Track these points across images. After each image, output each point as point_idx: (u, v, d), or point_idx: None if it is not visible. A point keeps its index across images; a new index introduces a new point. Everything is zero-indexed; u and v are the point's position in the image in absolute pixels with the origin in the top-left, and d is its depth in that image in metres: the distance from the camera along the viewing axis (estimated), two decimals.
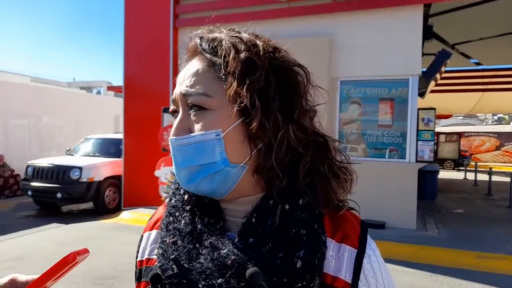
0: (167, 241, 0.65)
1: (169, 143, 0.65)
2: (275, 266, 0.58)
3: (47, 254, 5.28)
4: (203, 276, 0.58)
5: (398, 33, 6.58)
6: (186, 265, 0.60)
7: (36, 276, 0.59)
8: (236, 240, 0.61)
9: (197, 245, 0.62)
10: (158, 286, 0.62)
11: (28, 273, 0.61)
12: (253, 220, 0.62)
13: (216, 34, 0.66)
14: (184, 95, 0.64)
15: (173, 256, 0.62)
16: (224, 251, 0.59)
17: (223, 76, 0.62)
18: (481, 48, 10.05)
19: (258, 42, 0.64)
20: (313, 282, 0.58)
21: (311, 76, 0.67)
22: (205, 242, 0.61)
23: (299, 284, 0.58)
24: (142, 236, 0.78)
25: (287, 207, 0.62)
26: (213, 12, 7.62)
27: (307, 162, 0.64)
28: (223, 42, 0.63)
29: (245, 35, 0.65)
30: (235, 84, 0.60)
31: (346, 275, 0.63)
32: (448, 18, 7.84)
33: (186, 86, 0.63)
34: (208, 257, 0.59)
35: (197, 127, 0.62)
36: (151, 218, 0.80)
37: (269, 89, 0.61)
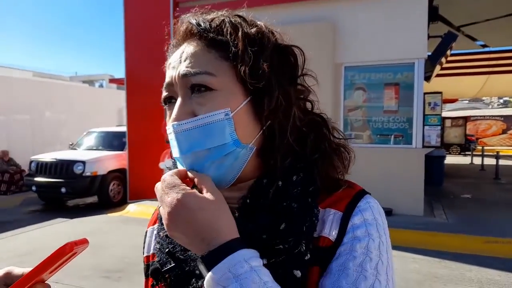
0: (161, 235, 0.66)
1: (170, 130, 0.60)
2: (260, 228, 0.57)
3: (54, 248, 5.29)
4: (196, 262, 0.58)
5: (402, 15, 6.43)
6: (181, 257, 0.61)
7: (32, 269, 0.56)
8: None
9: None
10: (161, 280, 0.63)
11: None
12: (248, 201, 0.61)
13: (213, 15, 0.64)
14: (184, 76, 0.59)
15: (167, 249, 0.62)
16: None
17: (229, 55, 0.59)
18: (487, 29, 9.86)
19: (259, 22, 0.64)
20: (298, 247, 0.56)
21: (307, 56, 0.66)
22: None
23: (281, 246, 0.56)
24: (147, 231, 0.78)
25: (280, 183, 0.60)
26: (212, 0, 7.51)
27: (312, 140, 0.64)
28: (226, 20, 0.62)
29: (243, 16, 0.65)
30: (247, 60, 0.58)
31: (329, 233, 0.60)
32: None
33: (186, 67, 0.59)
34: None
35: (203, 109, 0.58)
36: (154, 212, 0.79)
37: (276, 67, 0.61)
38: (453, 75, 14.25)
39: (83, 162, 8.28)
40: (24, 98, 12.12)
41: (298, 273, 0.56)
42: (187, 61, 0.60)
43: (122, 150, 9.14)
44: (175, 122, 0.59)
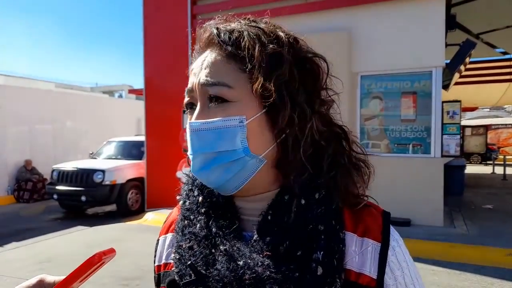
0: (183, 246, 0.63)
1: (187, 128, 0.62)
2: (296, 280, 0.55)
3: (75, 256, 5.39)
4: (220, 284, 0.57)
5: (419, 24, 6.40)
6: (203, 272, 0.59)
7: (63, 277, 0.58)
8: (253, 240, 0.59)
9: (212, 250, 0.60)
10: None
11: (57, 275, 0.61)
12: (269, 217, 0.60)
13: (234, 25, 0.63)
14: (203, 85, 0.60)
15: (189, 262, 0.60)
16: (240, 263, 0.56)
17: (246, 69, 0.59)
18: (507, 36, 9.69)
19: (279, 33, 0.62)
20: (334, 284, 0.56)
21: (330, 66, 0.65)
22: (220, 247, 0.59)
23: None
24: (158, 240, 0.77)
25: (303, 201, 0.60)
26: (230, 11, 7.62)
27: (330, 155, 0.63)
28: (245, 34, 0.61)
29: (264, 26, 0.63)
30: (261, 78, 0.58)
31: (371, 271, 0.60)
32: (472, 6, 7.59)
33: (206, 76, 0.60)
34: (225, 266, 0.57)
35: (218, 117, 0.60)
36: (166, 221, 0.79)
37: (294, 81, 0.60)
38: (473, 83, 13.99)
39: (103, 171, 8.44)
40: (47, 108, 12.42)
41: None
42: (207, 70, 0.61)
43: (140, 159, 9.28)
44: (193, 121, 0.61)
